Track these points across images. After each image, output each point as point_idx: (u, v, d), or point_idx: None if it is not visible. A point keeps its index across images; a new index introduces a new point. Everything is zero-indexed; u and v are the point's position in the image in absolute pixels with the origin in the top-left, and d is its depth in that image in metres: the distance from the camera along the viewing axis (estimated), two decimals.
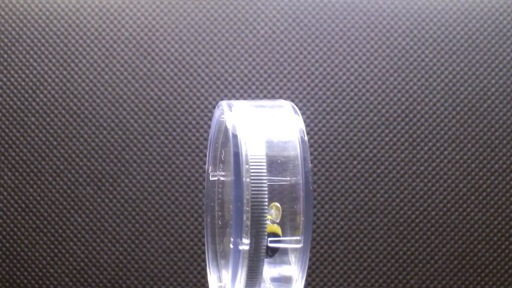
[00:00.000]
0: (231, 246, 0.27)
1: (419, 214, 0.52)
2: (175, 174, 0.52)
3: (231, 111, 0.30)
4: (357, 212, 0.52)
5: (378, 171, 0.52)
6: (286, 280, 0.29)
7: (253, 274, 0.28)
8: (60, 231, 0.52)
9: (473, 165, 0.53)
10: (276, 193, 0.28)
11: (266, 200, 0.27)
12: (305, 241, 0.27)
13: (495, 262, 0.52)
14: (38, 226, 0.52)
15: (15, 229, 0.52)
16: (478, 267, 0.52)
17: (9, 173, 0.52)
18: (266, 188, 0.27)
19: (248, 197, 0.27)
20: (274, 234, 0.28)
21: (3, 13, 0.53)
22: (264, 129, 0.29)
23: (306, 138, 0.29)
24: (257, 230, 0.27)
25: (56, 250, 0.52)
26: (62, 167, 0.52)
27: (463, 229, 0.52)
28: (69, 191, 0.52)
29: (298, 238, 0.28)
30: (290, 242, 0.28)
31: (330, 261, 0.52)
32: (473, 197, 0.52)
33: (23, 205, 0.52)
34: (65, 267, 0.52)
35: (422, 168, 0.53)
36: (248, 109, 0.31)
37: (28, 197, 0.52)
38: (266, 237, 0.27)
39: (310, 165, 0.28)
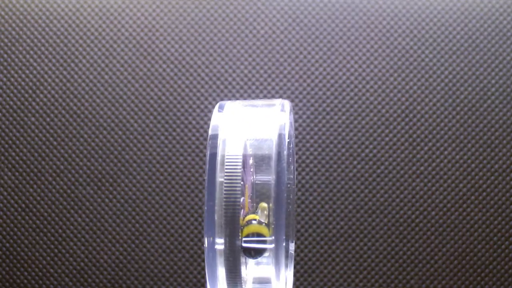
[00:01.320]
0: (205, 245, 0.27)
1: (419, 214, 0.52)
2: (175, 174, 0.52)
3: (222, 111, 0.30)
4: (357, 212, 0.52)
5: (378, 171, 0.52)
6: (266, 281, 0.29)
7: (232, 274, 0.28)
8: (60, 231, 0.52)
9: (473, 165, 0.53)
10: (250, 192, 0.28)
11: (239, 199, 0.27)
12: (277, 241, 0.27)
13: (495, 262, 0.52)
14: (38, 226, 0.52)
15: (15, 229, 0.52)
16: (478, 267, 0.52)
17: (9, 173, 0.52)
18: (239, 188, 0.27)
19: (220, 196, 0.27)
20: (259, 234, 0.28)
21: (3, 13, 0.53)
22: (245, 129, 0.29)
23: (286, 136, 0.28)
24: (230, 229, 0.27)
25: (56, 250, 0.52)
26: (62, 167, 0.52)
27: (463, 229, 0.52)
28: (69, 191, 0.52)
29: (270, 238, 0.27)
30: (262, 242, 0.27)
31: (330, 261, 0.52)
32: (473, 197, 0.52)
33: (23, 205, 0.52)
34: (65, 267, 0.52)
35: (422, 168, 0.52)
36: (238, 109, 0.30)
37: (28, 197, 0.52)
38: (240, 237, 0.27)
39: (284, 164, 0.27)
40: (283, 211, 0.27)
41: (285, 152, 0.27)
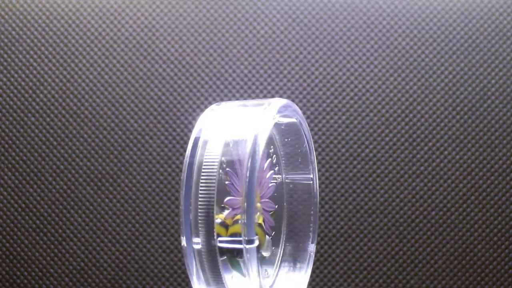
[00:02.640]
0: (183, 245, 0.28)
1: (419, 214, 0.52)
2: (175, 174, 0.52)
3: (209, 113, 0.31)
4: (357, 212, 0.52)
5: (378, 171, 0.52)
6: (244, 280, 0.29)
7: (211, 273, 0.28)
8: (60, 231, 0.52)
9: (473, 165, 0.52)
10: (226, 193, 0.28)
11: (214, 200, 0.27)
12: (248, 242, 0.27)
13: (495, 262, 0.52)
14: (38, 226, 0.52)
15: (15, 229, 0.52)
16: (478, 267, 0.52)
17: (9, 173, 0.52)
18: (214, 189, 0.27)
19: (195, 197, 0.27)
20: (237, 234, 0.28)
21: (3, 13, 0.53)
22: (226, 131, 0.29)
23: (264, 136, 0.28)
24: (206, 229, 0.27)
25: (56, 250, 0.52)
26: (62, 167, 0.52)
27: (463, 229, 0.52)
28: (69, 191, 0.52)
29: (239, 238, 0.27)
30: (233, 242, 0.28)
31: (330, 261, 0.52)
32: (473, 197, 0.52)
33: (23, 205, 0.52)
34: (65, 267, 0.52)
35: (422, 168, 0.52)
36: (225, 111, 0.31)
37: (28, 197, 0.52)
38: (215, 237, 0.27)
39: (256, 164, 0.27)
40: (253, 211, 0.27)
41: (260, 152, 0.27)
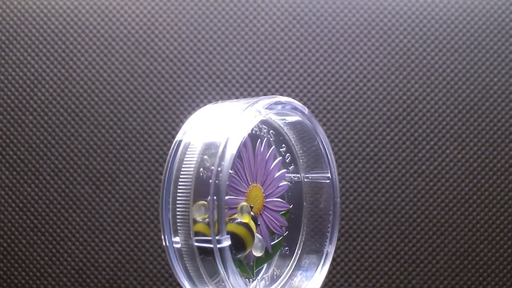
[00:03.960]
0: (164, 244, 0.28)
1: (421, 214, 0.52)
2: None
3: (201, 109, 0.31)
4: (358, 212, 0.52)
5: (379, 170, 0.52)
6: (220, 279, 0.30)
7: (194, 273, 0.29)
8: (58, 230, 0.52)
9: (475, 164, 0.52)
10: (201, 194, 0.28)
11: (189, 200, 0.28)
12: (219, 242, 0.27)
13: (498, 262, 0.52)
14: (36, 226, 0.52)
15: (13, 228, 0.52)
16: (480, 267, 0.52)
17: (7, 172, 0.52)
18: (190, 189, 0.28)
19: (171, 198, 0.28)
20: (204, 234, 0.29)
21: (0, 10, 0.53)
22: (207, 131, 0.29)
23: (239, 135, 0.28)
24: (184, 229, 0.28)
25: (54, 250, 0.52)
26: (60, 165, 0.52)
27: (465, 229, 0.52)
28: (67, 190, 0.52)
29: (208, 238, 0.28)
30: (204, 242, 0.28)
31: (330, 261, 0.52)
32: (475, 196, 0.52)
33: (21, 204, 0.52)
34: (63, 267, 0.51)
35: (423, 166, 0.52)
36: (218, 109, 0.31)
37: (25, 196, 0.52)
38: (191, 236, 0.28)
39: (225, 163, 0.27)
40: (222, 210, 0.27)
41: (233, 151, 0.28)
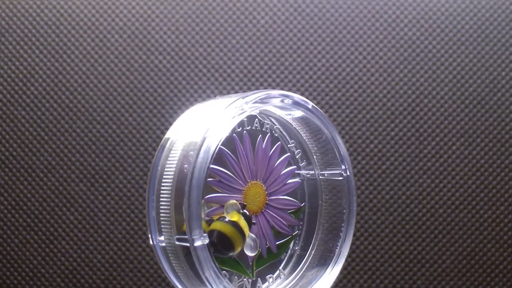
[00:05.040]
0: (151, 243, 0.29)
1: (426, 212, 0.52)
2: None
3: (194, 106, 0.32)
4: (362, 210, 0.52)
5: (384, 167, 0.52)
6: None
7: (181, 272, 0.29)
8: (52, 229, 0.51)
9: (482, 161, 0.52)
10: (181, 191, 0.29)
11: (171, 198, 0.28)
12: (193, 241, 0.27)
13: (506, 262, 0.52)
14: (29, 224, 0.51)
15: (5, 227, 0.51)
16: (487, 267, 0.51)
17: None
18: (171, 187, 0.28)
19: (155, 196, 0.29)
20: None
21: None
22: (193, 128, 0.30)
23: (211, 136, 0.28)
24: (167, 227, 0.29)
25: (47, 249, 0.51)
26: (54, 162, 0.52)
27: (472, 228, 0.52)
28: (61, 187, 0.51)
29: (185, 236, 0.28)
30: (181, 240, 0.28)
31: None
32: (482, 194, 0.52)
33: (13, 202, 0.51)
34: (57, 266, 0.51)
35: (429, 164, 0.52)
36: (210, 104, 0.32)
37: (18, 194, 0.51)
38: (174, 235, 0.28)
39: (200, 160, 0.28)
40: (197, 208, 0.27)
41: (212, 149, 0.28)
